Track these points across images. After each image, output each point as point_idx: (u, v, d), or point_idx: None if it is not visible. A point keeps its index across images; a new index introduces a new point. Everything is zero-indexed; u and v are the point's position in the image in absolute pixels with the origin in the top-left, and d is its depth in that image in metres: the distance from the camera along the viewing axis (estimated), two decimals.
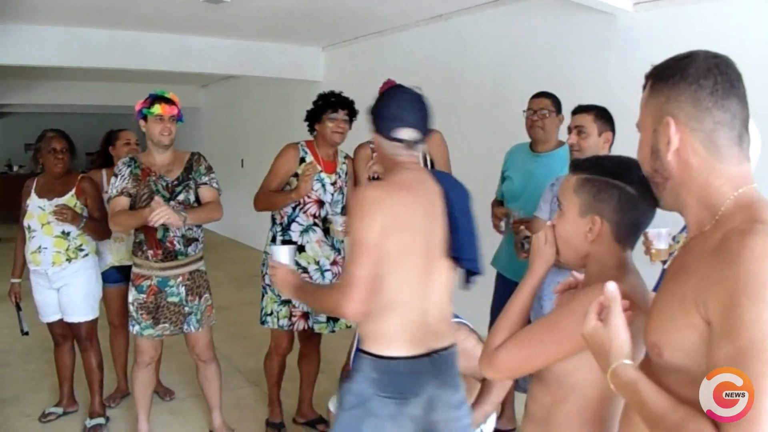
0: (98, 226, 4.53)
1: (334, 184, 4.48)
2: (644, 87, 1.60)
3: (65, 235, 4.53)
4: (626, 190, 1.90)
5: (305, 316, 4.47)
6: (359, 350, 2.61)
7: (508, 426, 4.53)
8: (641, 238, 3.24)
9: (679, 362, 1.46)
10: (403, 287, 2.49)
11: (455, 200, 2.63)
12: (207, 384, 4.54)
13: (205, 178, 4.21)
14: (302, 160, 4.44)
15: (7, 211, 4.76)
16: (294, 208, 4.42)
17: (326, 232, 4.47)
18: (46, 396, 5.26)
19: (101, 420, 4.78)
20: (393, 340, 2.51)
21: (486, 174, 4.62)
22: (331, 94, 4.43)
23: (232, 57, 9.09)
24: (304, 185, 4.19)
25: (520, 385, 3.82)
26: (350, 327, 4.61)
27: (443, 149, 4.44)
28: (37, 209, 4.53)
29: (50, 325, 4.80)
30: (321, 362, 4.81)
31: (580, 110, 3.78)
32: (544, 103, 4.22)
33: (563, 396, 1.99)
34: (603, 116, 3.74)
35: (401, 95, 2.65)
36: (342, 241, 4.56)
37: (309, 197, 4.40)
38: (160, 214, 3.76)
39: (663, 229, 3.02)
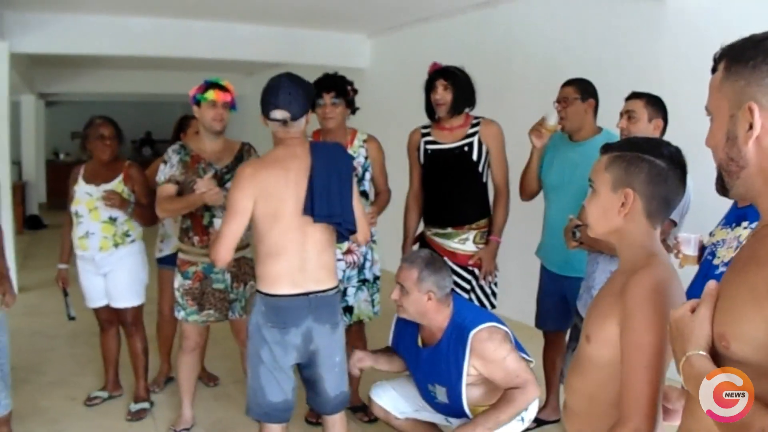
0: (145, 212, 4.53)
1: None
2: (714, 68, 1.51)
3: (112, 220, 4.54)
4: (656, 163, 1.97)
5: None
6: (256, 289, 3.31)
7: (553, 417, 4.47)
8: (672, 242, 3.26)
9: (747, 355, 1.39)
10: (281, 241, 3.14)
11: (321, 168, 3.16)
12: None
13: None
14: None
15: (54, 198, 4.79)
16: None
17: None
18: (92, 380, 5.30)
19: (146, 404, 4.81)
20: (276, 281, 3.18)
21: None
22: (320, 77, 4.37)
23: (278, 45, 9.08)
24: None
25: (564, 374, 3.76)
26: (371, 318, 4.63)
27: (498, 143, 4.33)
28: (85, 195, 4.55)
29: (96, 310, 4.83)
30: (366, 349, 4.75)
31: (632, 96, 3.73)
32: (566, 91, 4.10)
33: (604, 386, 2.01)
34: (654, 103, 3.67)
35: (274, 82, 3.21)
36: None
37: None
38: (206, 184, 3.86)
39: (693, 235, 2.94)
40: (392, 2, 7.35)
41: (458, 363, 3.34)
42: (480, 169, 4.32)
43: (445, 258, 4.16)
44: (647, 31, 5.41)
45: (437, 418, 3.77)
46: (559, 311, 4.28)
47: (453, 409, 3.50)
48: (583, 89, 4.08)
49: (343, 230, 3.27)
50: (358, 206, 3.36)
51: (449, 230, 4.38)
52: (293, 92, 3.16)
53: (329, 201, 3.14)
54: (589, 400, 2.10)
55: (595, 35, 5.88)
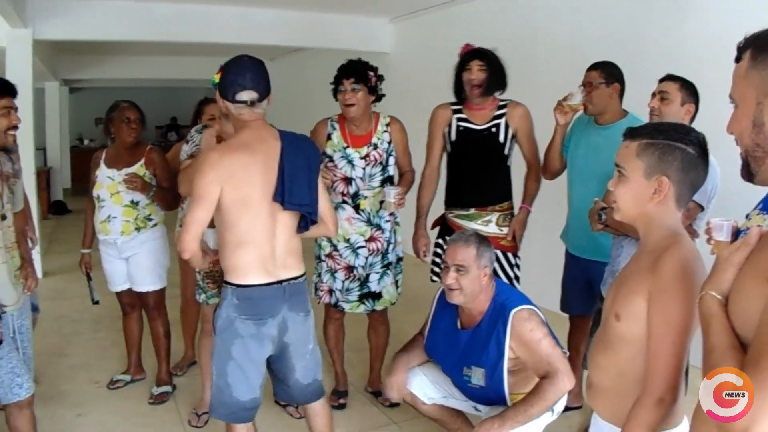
0: (167, 195, 4.53)
1: (365, 157, 4.37)
2: (738, 57, 1.54)
3: (134, 204, 4.54)
4: (687, 150, 2.05)
5: (330, 292, 4.50)
6: (224, 282, 3.14)
7: (575, 403, 4.43)
8: (698, 226, 3.37)
9: (746, 335, 1.47)
10: (251, 229, 3.03)
11: (292, 155, 3.07)
12: None
13: None
14: (329, 137, 4.41)
15: (79, 184, 4.84)
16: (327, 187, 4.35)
17: (356, 208, 4.40)
18: (115, 363, 5.33)
19: (168, 388, 4.84)
20: (249, 271, 3.06)
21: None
22: (343, 64, 4.34)
23: (300, 29, 9.07)
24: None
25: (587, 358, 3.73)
26: (394, 304, 4.60)
27: (527, 123, 4.33)
28: (107, 179, 4.55)
29: (119, 294, 4.86)
30: (390, 335, 4.77)
31: (667, 78, 3.69)
32: (592, 75, 4.07)
33: (633, 362, 2.09)
34: (689, 87, 3.63)
35: (237, 62, 3.10)
36: (391, 215, 4.47)
37: (336, 175, 4.36)
38: None
39: (726, 221, 2.90)
40: None
41: (499, 342, 3.32)
42: (505, 151, 4.32)
43: None
44: (672, 14, 5.34)
45: (465, 406, 3.73)
46: (584, 295, 4.25)
47: (487, 393, 3.45)
48: (608, 73, 4.04)
49: (309, 221, 3.17)
50: (324, 198, 3.28)
51: (472, 211, 4.36)
52: (258, 72, 3.08)
53: (299, 188, 3.06)
54: (617, 377, 2.18)
55: (620, 18, 5.81)
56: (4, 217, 3.37)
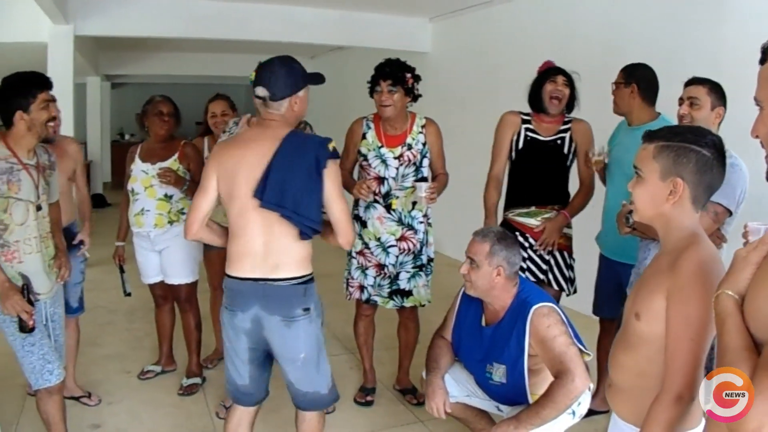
0: None
1: (399, 157, 4.38)
2: (764, 59, 1.53)
3: (168, 198, 4.60)
4: (702, 153, 2.07)
5: (361, 288, 4.52)
6: None
7: (603, 407, 4.37)
8: (729, 231, 3.38)
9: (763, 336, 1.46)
10: (239, 222, 3.07)
11: (288, 157, 3.00)
12: None
13: None
14: (363, 136, 4.43)
15: (119, 178, 4.93)
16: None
17: (388, 208, 4.41)
18: (147, 354, 5.42)
19: (197, 380, 4.89)
20: (232, 262, 3.11)
21: (598, 146, 4.49)
22: (381, 63, 4.35)
23: (340, 28, 9.11)
24: (356, 191, 4.29)
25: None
26: (424, 306, 4.61)
27: (588, 138, 4.44)
28: (141, 173, 4.62)
29: (151, 286, 4.93)
30: (420, 333, 4.76)
31: (693, 82, 3.66)
32: (617, 76, 4.15)
33: (654, 361, 2.09)
34: (717, 90, 3.60)
35: (268, 60, 3.12)
36: (424, 213, 4.49)
37: (368, 174, 4.39)
38: None
39: (763, 225, 2.86)
40: None
41: (519, 338, 3.31)
42: (567, 163, 4.46)
43: (528, 235, 4.41)
44: (711, 15, 5.30)
45: (488, 406, 3.72)
46: (615, 298, 4.20)
47: (509, 391, 3.44)
48: (628, 74, 4.11)
49: (302, 227, 3.04)
50: (339, 209, 3.09)
51: (532, 208, 4.45)
52: (277, 72, 3.06)
53: (282, 191, 2.97)
54: (638, 376, 2.18)
55: (657, 19, 5.77)
56: (39, 208, 3.44)
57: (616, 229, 3.77)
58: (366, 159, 4.42)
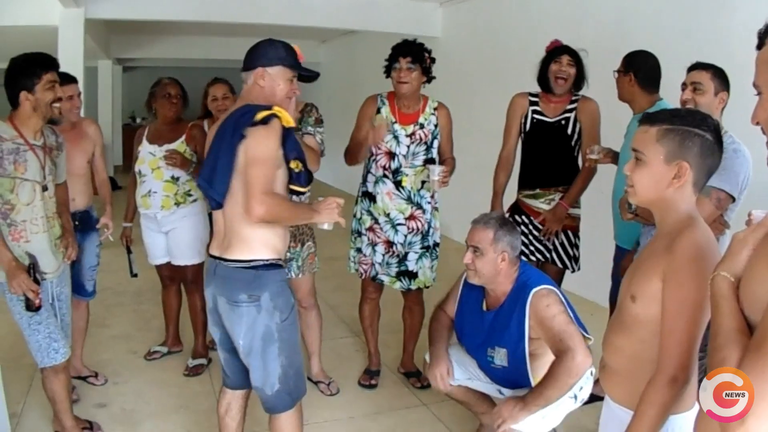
0: None
1: (411, 135, 4.40)
2: (761, 44, 1.56)
3: (174, 180, 4.63)
4: (706, 137, 2.07)
5: (371, 265, 4.53)
6: None
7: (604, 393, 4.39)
8: (734, 218, 3.35)
9: (755, 319, 1.45)
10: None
11: (220, 132, 2.94)
12: (307, 331, 4.59)
13: (310, 128, 4.21)
14: (378, 110, 4.44)
15: (130, 161, 4.98)
16: (369, 159, 4.46)
17: (397, 184, 4.42)
18: (154, 335, 5.46)
19: (203, 360, 4.93)
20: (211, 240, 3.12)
21: (606, 133, 4.49)
22: (398, 43, 4.36)
23: (350, 12, 9.09)
24: (372, 133, 4.23)
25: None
26: (428, 287, 4.62)
27: (590, 119, 4.48)
28: (148, 155, 4.65)
29: (158, 267, 4.97)
30: (425, 317, 4.76)
31: (696, 67, 3.62)
32: (620, 65, 4.21)
33: (649, 343, 2.09)
34: (720, 75, 3.57)
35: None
36: (432, 193, 4.50)
37: (380, 149, 4.40)
38: None
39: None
40: None
41: (520, 321, 3.34)
42: (572, 143, 4.49)
43: (532, 218, 4.57)
44: (719, 3, 5.27)
45: (490, 389, 3.74)
46: None
47: (510, 374, 3.47)
48: (626, 62, 4.18)
49: (209, 198, 3.02)
50: (250, 173, 2.79)
51: (537, 191, 4.57)
52: (256, 45, 3.09)
53: (212, 168, 2.92)
54: (632, 359, 2.19)
55: (667, 5, 5.73)
56: (45, 188, 3.47)
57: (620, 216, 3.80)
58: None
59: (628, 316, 2.18)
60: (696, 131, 2.07)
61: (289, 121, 2.89)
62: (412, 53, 4.30)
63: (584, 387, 3.32)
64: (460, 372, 3.71)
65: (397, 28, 8.81)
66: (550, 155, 4.54)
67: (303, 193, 3.15)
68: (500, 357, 3.45)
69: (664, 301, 2.03)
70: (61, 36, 7.91)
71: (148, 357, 5.09)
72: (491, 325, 3.49)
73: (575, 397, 3.30)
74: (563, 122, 4.47)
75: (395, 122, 4.40)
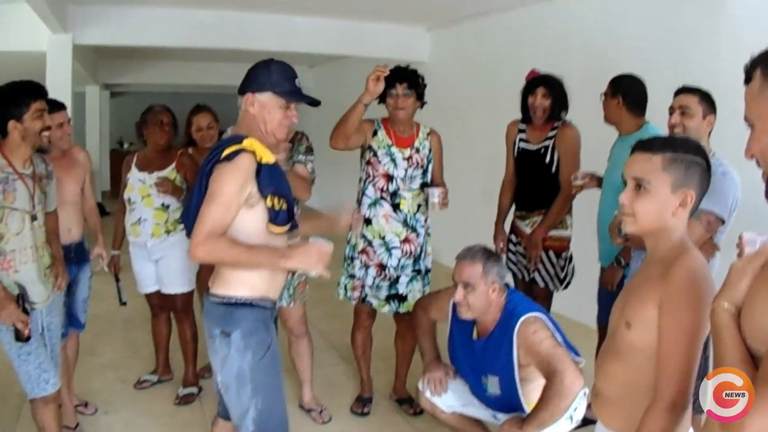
0: None
1: (408, 159, 4.42)
2: (748, 78, 1.54)
3: (165, 207, 4.61)
4: (704, 165, 2.11)
5: (362, 287, 4.51)
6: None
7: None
8: (723, 240, 3.39)
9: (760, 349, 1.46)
10: None
11: (200, 169, 2.85)
12: (298, 359, 4.58)
13: (302, 157, 4.22)
14: (375, 132, 4.45)
15: (118, 187, 4.98)
16: (365, 181, 4.45)
17: (395, 207, 4.43)
18: (143, 364, 5.40)
19: (194, 389, 4.89)
20: None
21: (594, 160, 4.51)
22: (393, 69, 4.33)
23: (338, 37, 9.12)
24: (371, 83, 4.04)
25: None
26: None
27: (568, 146, 4.56)
28: (138, 182, 4.63)
29: (148, 295, 4.93)
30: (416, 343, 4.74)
31: (684, 90, 3.66)
32: (606, 88, 4.24)
33: (644, 369, 2.10)
34: (707, 99, 3.61)
35: None
36: (426, 218, 4.54)
37: (377, 171, 4.39)
38: None
39: (760, 236, 2.85)
40: None
41: (509, 350, 3.34)
42: (552, 170, 4.56)
43: (521, 238, 4.73)
44: (706, 27, 5.32)
45: (485, 414, 3.74)
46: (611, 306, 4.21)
47: (504, 401, 3.48)
48: (614, 86, 4.21)
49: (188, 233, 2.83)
50: (203, 210, 2.64)
51: (524, 213, 4.76)
52: (252, 68, 2.89)
53: (189, 203, 2.86)
54: (626, 385, 2.19)
55: (652, 32, 5.79)
56: (34, 218, 3.44)
57: (608, 239, 3.83)
58: (375, 155, 4.42)
59: (623, 343, 2.18)
60: (697, 159, 2.10)
61: (266, 155, 2.73)
62: (408, 79, 4.33)
63: (578, 408, 3.32)
64: (454, 399, 3.72)
65: (384, 53, 8.81)
66: (533, 181, 4.66)
67: (291, 231, 2.90)
68: (493, 385, 3.46)
69: (661, 328, 2.04)
70: (49, 62, 7.89)
71: (138, 386, 5.03)
72: (482, 354, 3.50)
73: (570, 418, 3.32)
74: (543, 150, 4.57)
75: (392, 145, 4.40)
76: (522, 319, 3.33)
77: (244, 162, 2.65)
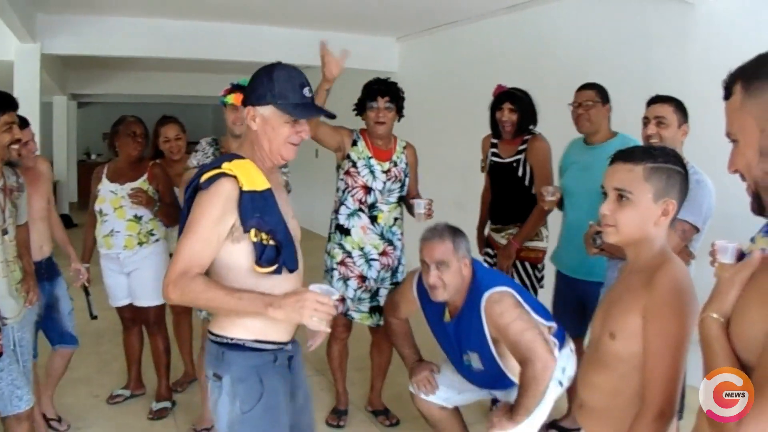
0: (170, 210, 4.56)
1: (386, 172, 4.42)
2: (728, 93, 1.54)
3: (137, 219, 4.56)
4: (682, 173, 2.15)
5: (343, 300, 4.42)
6: None
7: (576, 425, 4.38)
8: (699, 248, 3.44)
9: (749, 358, 1.47)
10: None
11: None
12: None
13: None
14: (354, 143, 4.42)
15: (85, 198, 4.93)
16: (343, 191, 4.43)
17: (373, 219, 4.42)
18: (115, 378, 5.34)
19: (167, 404, 4.84)
20: None
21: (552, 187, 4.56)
22: (373, 81, 4.37)
23: (307, 47, 8.98)
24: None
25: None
26: None
27: (539, 158, 4.55)
28: (109, 194, 4.58)
29: (120, 309, 4.87)
30: (392, 354, 4.69)
31: (658, 100, 3.69)
32: (588, 94, 4.20)
33: (629, 379, 2.11)
34: (681, 108, 3.65)
35: None
36: (402, 231, 4.57)
37: (356, 182, 4.38)
38: None
39: (731, 243, 2.87)
40: (421, 5, 7.33)
41: (479, 327, 3.33)
42: (526, 183, 4.56)
43: (497, 251, 4.69)
44: (676, 35, 5.39)
45: (481, 394, 3.78)
46: (577, 317, 4.19)
47: (491, 376, 3.49)
48: (603, 93, 4.21)
49: None
50: (180, 241, 2.37)
51: (498, 226, 4.75)
52: (256, 76, 2.51)
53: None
54: (612, 396, 2.20)
55: (624, 40, 5.85)
56: (5, 232, 3.39)
57: (577, 248, 3.83)
58: (355, 166, 4.40)
59: (607, 353, 2.18)
60: (677, 168, 2.12)
61: (253, 181, 2.39)
62: (390, 93, 4.32)
63: (566, 367, 3.42)
64: (450, 391, 3.75)
65: (353, 64, 8.66)
66: (506, 194, 4.67)
67: (285, 271, 2.46)
68: (475, 360, 3.46)
69: (647, 337, 2.05)
70: (16, 71, 7.80)
71: (110, 401, 4.96)
72: (456, 334, 3.49)
73: (561, 382, 3.42)
74: (515, 164, 4.56)
75: (371, 157, 4.40)
76: (486, 295, 3.30)
77: (222, 189, 2.33)
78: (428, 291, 3.46)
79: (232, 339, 2.44)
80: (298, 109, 2.45)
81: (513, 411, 3.20)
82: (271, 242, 2.38)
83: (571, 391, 4.34)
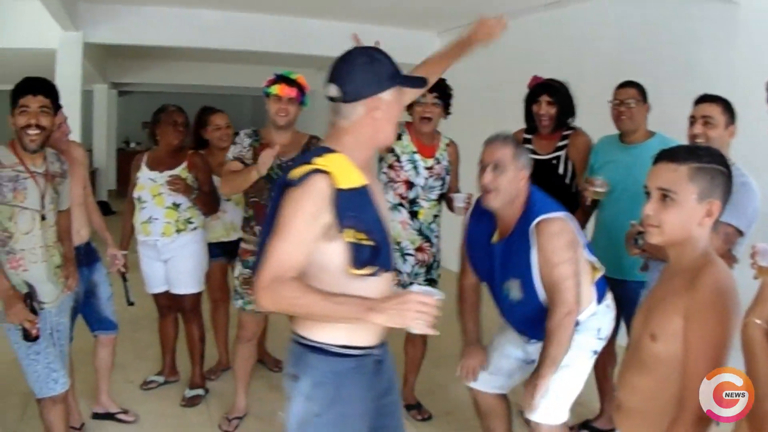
0: (208, 199, 4.60)
1: (430, 168, 4.40)
2: None
3: (176, 206, 4.59)
4: (727, 174, 2.12)
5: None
6: None
7: (608, 426, 4.31)
8: (743, 252, 3.29)
9: None
10: None
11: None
12: (242, 363, 4.52)
13: None
14: (399, 136, 4.39)
15: (124, 186, 4.96)
16: (385, 185, 4.38)
17: (413, 215, 4.40)
18: (150, 365, 5.39)
19: (200, 391, 4.87)
20: None
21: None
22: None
23: (348, 40, 9.06)
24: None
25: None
26: None
27: (583, 153, 4.34)
28: (149, 181, 4.61)
29: (156, 296, 4.91)
30: (427, 348, 4.73)
31: (706, 99, 3.59)
32: (630, 92, 4.09)
33: (669, 381, 2.06)
34: (730, 109, 3.55)
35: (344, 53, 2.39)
36: (436, 237, 4.52)
37: (399, 177, 4.35)
38: (267, 155, 3.77)
39: None
40: (463, 0, 7.30)
41: (527, 251, 3.14)
42: (567, 180, 4.36)
43: None
44: (719, 33, 5.30)
45: (526, 369, 3.45)
46: None
47: (527, 308, 3.26)
48: (643, 92, 4.11)
49: None
50: (271, 241, 2.19)
51: None
52: (356, 64, 2.30)
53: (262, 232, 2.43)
54: (651, 397, 2.17)
55: (666, 37, 5.77)
56: (44, 217, 3.42)
57: (615, 246, 3.78)
58: (399, 160, 4.40)
59: (648, 354, 2.16)
60: (721, 169, 2.10)
61: (349, 178, 2.21)
62: (439, 89, 4.29)
63: (602, 328, 3.32)
64: (499, 378, 3.58)
65: (394, 57, 8.80)
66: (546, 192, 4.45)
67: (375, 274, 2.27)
68: (515, 289, 3.27)
69: (688, 339, 2.01)
70: (59, 59, 7.92)
71: (144, 387, 5.01)
72: (501, 257, 3.30)
73: (600, 335, 3.31)
74: (554, 161, 4.36)
75: (416, 152, 4.38)
76: (538, 220, 3.12)
77: (316, 186, 2.15)
78: (481, 197, 3.27)
79: (316, 342, 2.30)
80: (416, 81, 2.38)
81: (540, 368, 3.05)
82: (368, 242, 2.22)
83: (604, 391, 4.34)
